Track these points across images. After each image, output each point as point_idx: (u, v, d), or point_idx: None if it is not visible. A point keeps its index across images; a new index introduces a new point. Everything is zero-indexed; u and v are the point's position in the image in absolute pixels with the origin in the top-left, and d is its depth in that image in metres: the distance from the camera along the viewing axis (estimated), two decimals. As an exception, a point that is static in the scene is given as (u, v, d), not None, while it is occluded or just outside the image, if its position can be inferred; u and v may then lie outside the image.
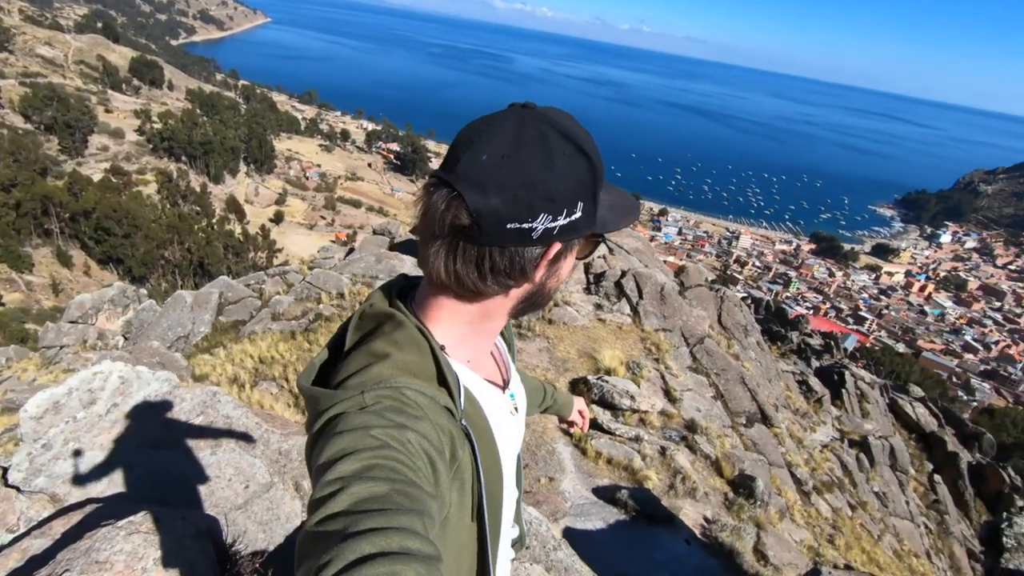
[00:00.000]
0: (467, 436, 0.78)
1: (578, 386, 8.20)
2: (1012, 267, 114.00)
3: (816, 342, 23.07)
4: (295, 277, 11.92)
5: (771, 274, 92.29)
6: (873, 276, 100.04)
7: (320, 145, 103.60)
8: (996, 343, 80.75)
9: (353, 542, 0.52)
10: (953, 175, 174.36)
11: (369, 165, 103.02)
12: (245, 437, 2.88)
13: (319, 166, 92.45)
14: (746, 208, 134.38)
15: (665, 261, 18.18)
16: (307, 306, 10.09)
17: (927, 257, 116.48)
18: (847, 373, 15.66)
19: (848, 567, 5.11)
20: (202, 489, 2.49)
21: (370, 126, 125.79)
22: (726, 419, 8.99)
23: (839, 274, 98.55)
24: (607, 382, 7.97)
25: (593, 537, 5.17)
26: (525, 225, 0.73)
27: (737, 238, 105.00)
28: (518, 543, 1.18)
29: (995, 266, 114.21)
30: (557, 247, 0.78)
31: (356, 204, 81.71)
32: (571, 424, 1.66)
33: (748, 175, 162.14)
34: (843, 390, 14.95)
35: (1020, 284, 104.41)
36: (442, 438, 0.72)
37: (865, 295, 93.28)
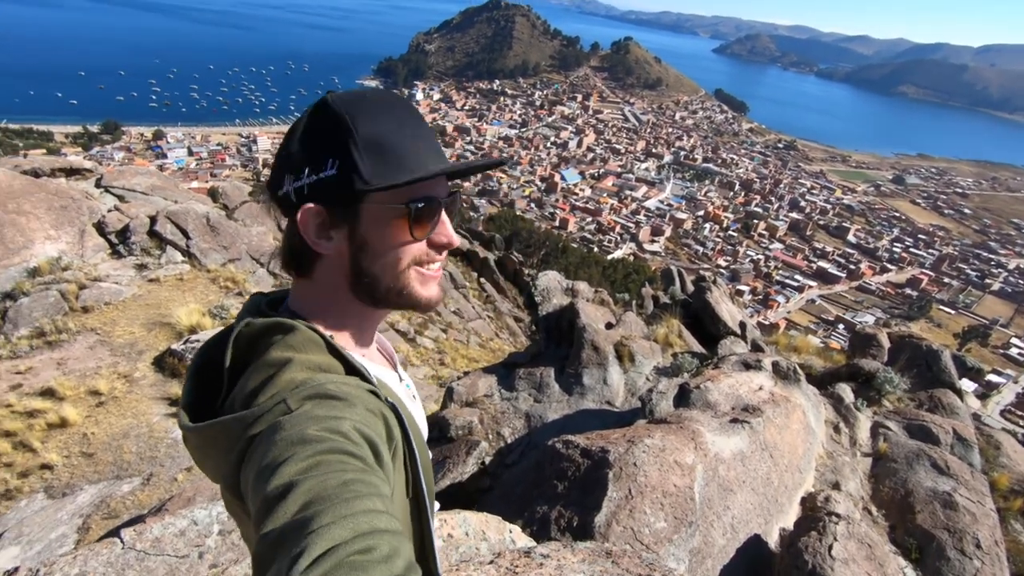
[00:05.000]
0: (395, 412, 0.76)
1: (166, 360, 7.05)
2: (467, 108, 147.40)
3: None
4: None
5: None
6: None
7: None
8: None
9: (323, 531, 0.51)
10: (404, 40, 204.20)
11: None
12: None
13: None
14: (250, 108, 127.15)
15: (190, 189, 16.12)
16: None
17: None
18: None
19: (466, 373, 6.51)
20: None
21: None
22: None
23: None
24: (197, 341, 7.10)
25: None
26: None
27: (255, 142, 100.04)
28: None
29: (457, 109, 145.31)
30: None
31: None
32: None
33: (236, 72, 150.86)
34: (403, 246, 17.43)
35: (476, 120, 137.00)
36: (377, 421, 0.70)
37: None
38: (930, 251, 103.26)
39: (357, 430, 0.65)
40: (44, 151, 65.10)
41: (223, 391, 0.78)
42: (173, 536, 1.81)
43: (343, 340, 0.86)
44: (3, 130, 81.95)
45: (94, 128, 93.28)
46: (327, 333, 0.82)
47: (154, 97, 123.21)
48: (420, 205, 0.82)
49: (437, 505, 1.10)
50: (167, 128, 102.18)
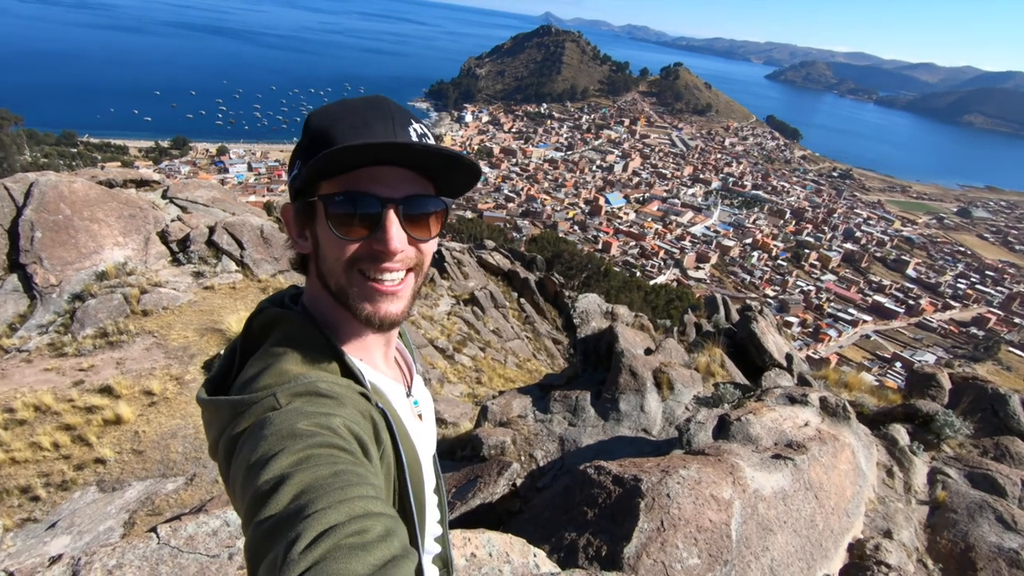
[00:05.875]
0: (385, 417, 0.76)
1: (215, 364, 7.33)
2: (514, 130, 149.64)
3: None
4: None
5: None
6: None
7: None
8: (522, 190, 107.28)
9: (318, 515, 0.51)
10: (456, 64, 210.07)
11: None
12: None
13: None
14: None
15: (248, 203, 16.88)
16: None
17: (462, 136, 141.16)
18: (442, 248, 18.48)
19: (501, 392, 6.49)
20: None
21: None
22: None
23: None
24: (245, 347, 7.37)
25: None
26: None
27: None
28: (447, 566, 1.05)
29: (504, 132, 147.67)
30: None
31: None
32: None
33: (295, 93, 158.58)
34: (444, 264, 17.72)
35: (522, 142, 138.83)
36: (366, 423, 0.70)
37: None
38: (999, 288, 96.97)
39: (346, 427, 0.66)
40: (119, 164, 69.83)
41: (234, 371, 0.81)
42: (206, 535, 1.87)
43: (343, 340, 0.84)
44: (85, 144, 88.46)
45: (165, 143, 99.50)
46: (328, 331, 0.82)
47: (220, 115, 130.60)
48: (338, 199, 0.75)
49: (435, 523, 1.02)
50: (230, 144, 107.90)
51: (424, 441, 0.94)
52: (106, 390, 6.69)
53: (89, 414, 6.35)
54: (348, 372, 0.79)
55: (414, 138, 0.80)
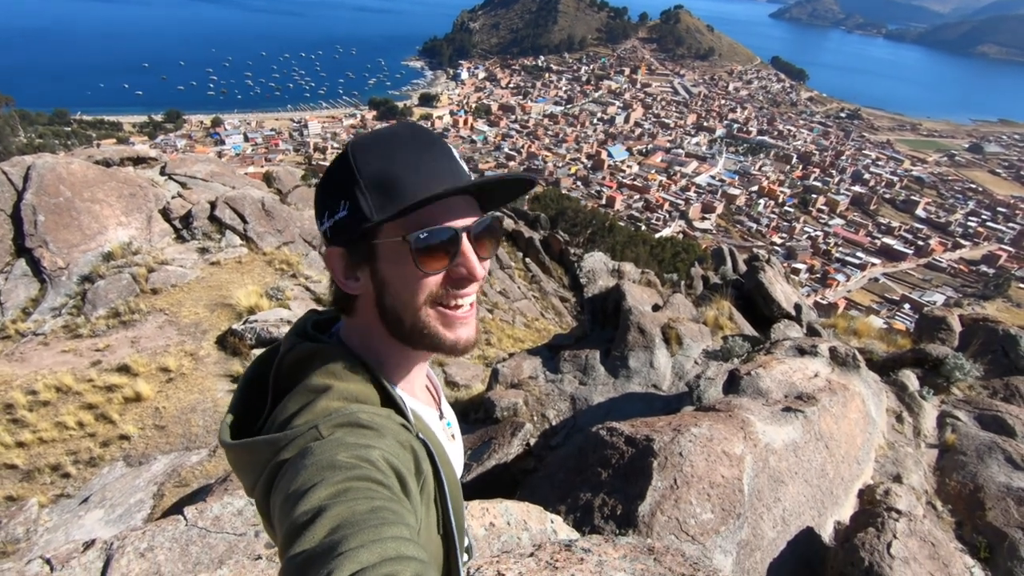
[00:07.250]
0: (426, 448, 0.77)
1: (228, 339, 7.43)
2: (512, 86, 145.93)
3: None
4: None
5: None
6: (428, 124, 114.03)
7: None
8: (522, 147, 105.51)
9: (351, 554, 0.51)
10: (448, 18, 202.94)
11: None
12: None
13: None
14: (300, 93, 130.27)
15: (247, 174, 16.71)
16: None
17: (459, 94, 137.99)
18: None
19: (511, 355, 6.55)
20: None
21: None
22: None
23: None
24: (256, 321, 7.44)
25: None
26: None
27: (306, 126, 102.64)
28: (467, 551, 1.11)
29: (501, 88, 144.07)
30: None
31: None
32: None
33: (286, 59, 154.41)
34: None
35: (520, 98, 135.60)
36: (406, 454, 0.71)
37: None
38: (1010, 225, 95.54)
39: (385, 460, 0.66)
40: (115, 140, 69.06)
41: (266, 410, 0.81)
42: (231, 515, 1.93)
43: (386, 370, 0.85)
44: (78, 121, 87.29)
45: (158, 117, 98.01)
46: (369, 362, 0.83)
47: (211, 85, 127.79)
48: (423, 236, 0.77)
49: (470, 543, 1.07)
50: (224, 115, 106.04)
51: (457, 460, 0.98)
52: (124, 368, 6.82)
53: (109, 393, 6.49)
54: (389, 402, 0.80)
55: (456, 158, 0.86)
